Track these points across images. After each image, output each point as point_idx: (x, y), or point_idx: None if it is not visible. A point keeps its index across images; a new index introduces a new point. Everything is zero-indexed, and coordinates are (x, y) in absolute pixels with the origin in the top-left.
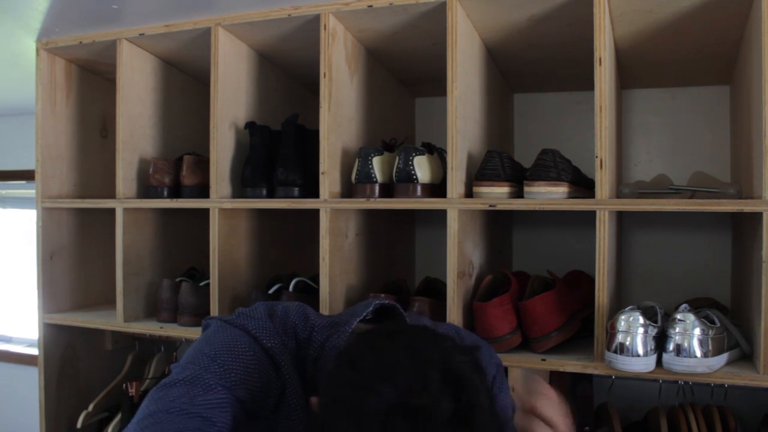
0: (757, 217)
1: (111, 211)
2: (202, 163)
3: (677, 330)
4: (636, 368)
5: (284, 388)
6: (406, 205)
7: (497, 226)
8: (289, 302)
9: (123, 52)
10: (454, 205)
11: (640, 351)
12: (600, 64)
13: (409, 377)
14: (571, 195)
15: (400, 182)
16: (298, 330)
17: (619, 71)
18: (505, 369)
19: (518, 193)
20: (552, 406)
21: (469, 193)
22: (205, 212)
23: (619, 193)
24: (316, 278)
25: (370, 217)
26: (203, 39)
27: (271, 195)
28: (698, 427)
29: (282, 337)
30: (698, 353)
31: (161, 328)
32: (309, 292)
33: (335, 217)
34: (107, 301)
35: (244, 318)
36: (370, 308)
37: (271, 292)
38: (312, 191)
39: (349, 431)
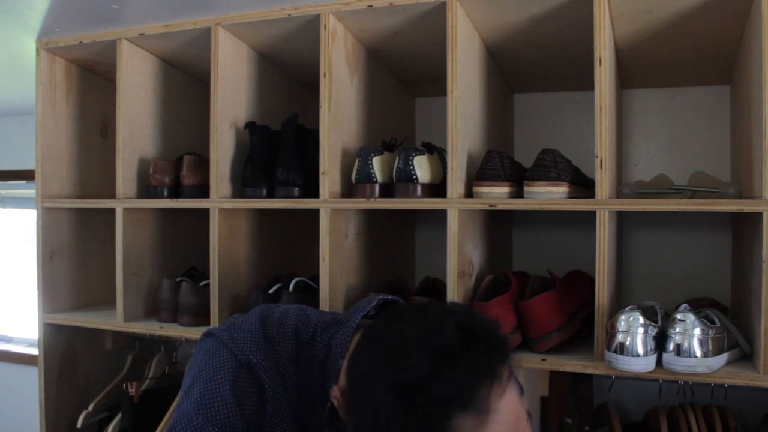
0: (757, 217)
1: (111, 211)
2: (202, 163)
3: (677, 330)
4: (636, 368)
5: (266, 405)
6: (406, 205)
7: (497, 226)
8: (288, 305)
9: (123, 52)
10: (454, 205)
11: (640, 351)
12: (600, 64)
13: (438, 338)
14: (571, 195)
15: (400, 182)
16: (300, 331)
17: (619, 71)
18: None
19: (518, 193)
20: None
21: (469, 193)
22: (205, 212)
23: (619, 193)
24: (316, 278)
25: (370, 217)
26: (203, 39)
27: (271, 195)
28: (698, 427)
29: (277, 344)
30: (698, 353)
31: (161, 328)
32: (309, 292)
33: (335, 217)
34: (107, 301)
35: (234, 330)
36: (373, 303)
37: (271, 292)
38: (312, 191)
39: (396, 405)
